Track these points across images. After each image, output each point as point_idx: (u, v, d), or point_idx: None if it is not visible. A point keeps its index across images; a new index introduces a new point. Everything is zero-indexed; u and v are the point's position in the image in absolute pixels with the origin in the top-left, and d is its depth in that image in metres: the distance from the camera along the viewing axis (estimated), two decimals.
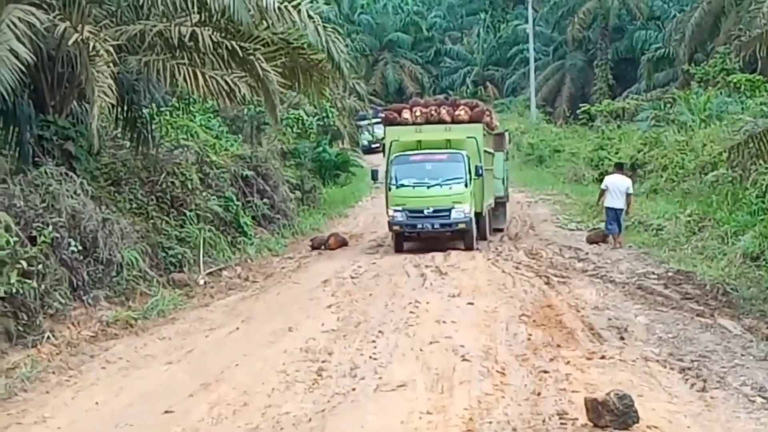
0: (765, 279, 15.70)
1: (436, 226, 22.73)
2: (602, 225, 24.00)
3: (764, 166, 19.37)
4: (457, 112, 24.25)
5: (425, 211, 22.58)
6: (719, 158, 22.76)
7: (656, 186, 27.47)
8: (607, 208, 22.40)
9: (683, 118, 32.20)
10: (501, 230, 26.79)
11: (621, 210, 22.24)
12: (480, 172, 23.15)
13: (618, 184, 22.42)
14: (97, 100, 14.40)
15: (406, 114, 24.41)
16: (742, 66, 33.80)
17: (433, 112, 24.29)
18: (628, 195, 22.45)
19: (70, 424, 9.91)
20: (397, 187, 23.08)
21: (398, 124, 24.42)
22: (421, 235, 23.38)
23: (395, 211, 22.79)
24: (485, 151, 24.58)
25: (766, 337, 12.57)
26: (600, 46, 62.69)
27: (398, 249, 23.17)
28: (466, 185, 22.75)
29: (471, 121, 24.18)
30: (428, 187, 22.96)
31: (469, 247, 22.77)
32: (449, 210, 22.51)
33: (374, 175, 25.50)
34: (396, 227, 23.03)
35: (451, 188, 22.75)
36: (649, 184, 28.19)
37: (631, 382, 10.40)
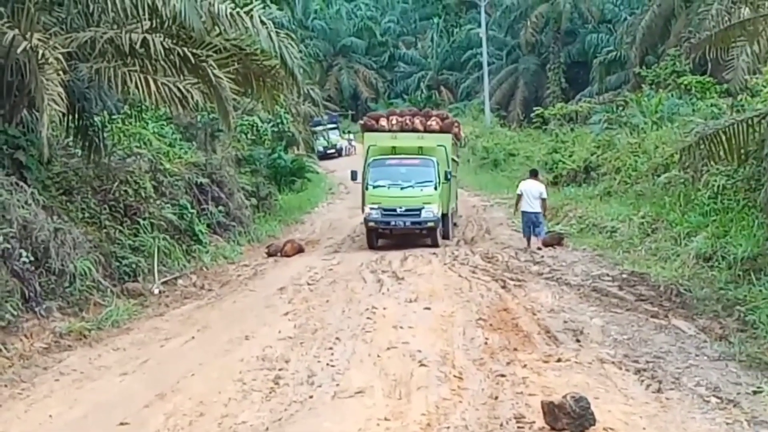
0: (718, 279, 15.87)
1: (407, 224, 24.85)
2: (557, 228, 24.68)
3: (715, 167, 19.60)
4: (429, 122, 26.88)
5: (398, 210, 24.76)
6: (671, 160, 22.97)
7: (609, 188, 27.66)
8: (523, 212, 23.75)
9: (635, 120, 32.45)
10: (455, 224, 28.43)
11: (537, 213, 23.48)
12: (449, 176, 25.80)
13: (532, 190, 23.77)
14: (47, 109, 14.19)
15: (383, 122, 27.08)
16: (693, 68, 34.22)
17: (407, 121, 26.77)
18: (543, 200, 23.76)
19: None
20: (374, 188, 25.20)
21: (375, 130, 26.91)
22: (393, 232, 25.45)
23: (371, 209, 24.84)
24: (452, 159, 26.85)
25: (720, 337, 12.71)
26: (552, 49, 63.24)
27: (371, 245, 25.12)
28: (435, 188, 24.97)
29: (441, 131, 26.83)
30: (402, 188, 25.16)
31: (434, 244, 24.63)
32: (420, 210, 24.61)
33: (354, 175, 27.03)
34: (371, 223, 25.02)
35: (422, 190, 24.94)
36: (603, 186, 28.39)
37: (587, 384, 10.48)
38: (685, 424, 9.17)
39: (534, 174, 25.51)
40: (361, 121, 29.77)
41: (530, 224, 23.48)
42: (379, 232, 25.40)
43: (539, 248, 22.77)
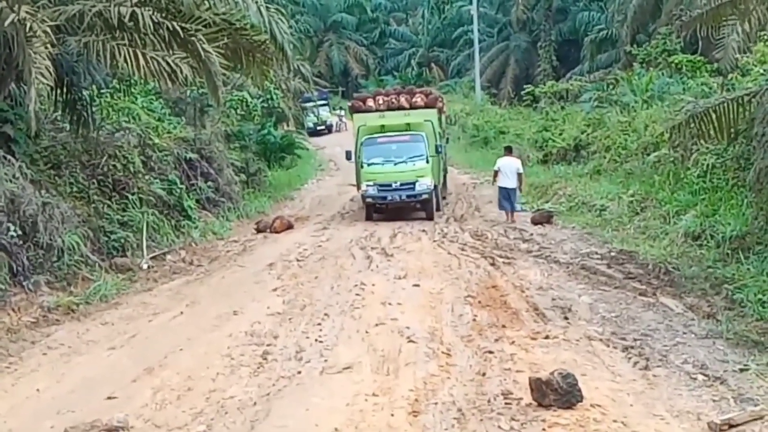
0: (706, 258, 15.88)
1: (403, 198, 25.93)
2: (546, 206, 24.77)
3: (705, 146, 19.59)
4: (414, 99, 27.84)
5: (393, 185, 25.79)
6: (661, 138, 22.98)
7: (599, 167, 27.61)
8: (500, 188, 24.51)
9: (626, 99, 32.38)
10: (444, 197, 29.27)
11: (513, 189, 24.26)
12: (440, 150, 27.30)
13: (510, 166, 24.58)
14: (35, 82, 14.08)
15: (370, 102, 28.01)
16: (684, 47, 34.14)
17: (393, 99, 27.79)
18: (519, 175, 24.57)
19: (10, 410, 9.78)
20: (369, 165, 26.23)
21: (364, 111, 27.79)
22: (389, 206, 26.44)
23: (367, 185, 26.01)
24: (439, 133, 27.89)
25: (707, 315, 12.74)
26: (544, 27, 62.96)
27: (369, 218, 26.30)
28: (427, 161, 25.95)
29: (426, 106, 27.80)
30: (395, 164, 26.14)
31: (429, 216, 25.83)
32: (414, 183, 25.68)
33: (348, 155, 27.68)
34: (369, 199, 26.23)
35: (414, 164, 25.94)
36: (592, 164, 28.34)
37: (574, 361, 10.51)
38: (672, 401, 9.21)
39: (509, 150, 26.40)
40: (349, 103, 30.79)
41: (506, 199, 24.24)
42: (376, 207, 26.44)
43: (513, 221, 23.70)
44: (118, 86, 24.40)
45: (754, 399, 9.14)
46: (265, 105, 37.16)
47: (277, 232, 23.82)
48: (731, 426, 8.37)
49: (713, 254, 15.91)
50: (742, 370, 10.13)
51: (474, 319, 13.03)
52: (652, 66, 35.86)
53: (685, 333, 11.94)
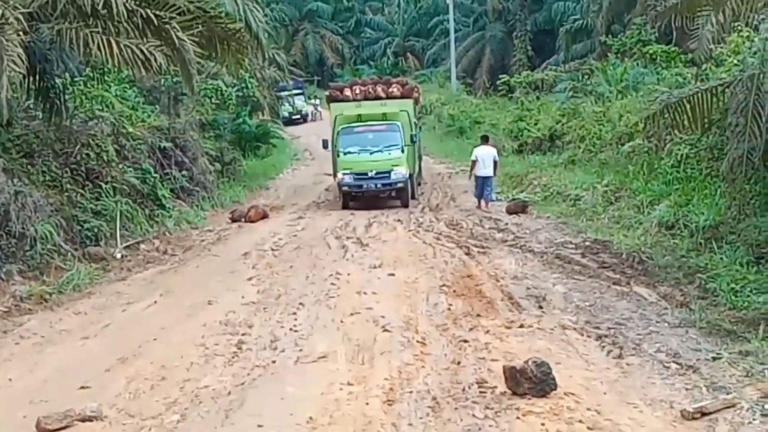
0: (679, 247, 15.99)
1: (378, 186, 26.34)
2: (521, 196, 24.86)
3: (679, 136, 19.69)
4: (390, 89, 28.60)
5: (369, 174, 26.07)
6: (635, 129, 23.07)
7: (574, 157, 27.71)
8: (477, 177, 24.69)
9: (600, 89, 32.50)
10: (419, 184, 29.66)
11: (490, 178, 24.60)
12: (414, 139, 27.76)
13: (487, 155, 24.81)
14: (7, 70, 13.96)
15: (347, 92, 28.75)
16: (658, 37, 34.25)
17: (370, 89, 28.58)
18: (495, 162, 25.03)
19: None
20: (345, 154, 26.50)
21: (341, 100, 28.54)
22: (365, 194, 26.60)
23: (344, 174, 26.23)
24: (414, 123, 28.38)
25: (681, 304, 12.81)
26: (519, 17, 63.06)
27: (345, 206, 26.39)
28: (402, 151, 26.30)
29: (402, 96, 28.60)
30: (371, 153, 26.46)
31: (405, 204, 26.19)
32: (389, 172, 26.04)
33: (325, 144, 28.10)
34: (345, 188, 26.48)
35: (390, 154, 26.30)
36: (567, 154, 28.44)
37: (549, 350, 10.54)
38: (645, 389, 9.26)
39: (485, 139, 26.56)
40: (327, 93, 31.17)
41: (482, 187, 24.49)
42: (352, 195, 26.58)
43: (488, 210, 23.89)
44: (91, 74, 24.15)
45: (727, 387, 9.20)
46: (240, 94, 36.93)
47: (252, 222, 23.76)
48: (704, 414, 8.43)
49: (687, 244, 16.02)
50: (714, 359, 10.20)
51: (449, 308, 13.05)
52: (626, 56, 35.96)
53: (658, 322, 12.00)
